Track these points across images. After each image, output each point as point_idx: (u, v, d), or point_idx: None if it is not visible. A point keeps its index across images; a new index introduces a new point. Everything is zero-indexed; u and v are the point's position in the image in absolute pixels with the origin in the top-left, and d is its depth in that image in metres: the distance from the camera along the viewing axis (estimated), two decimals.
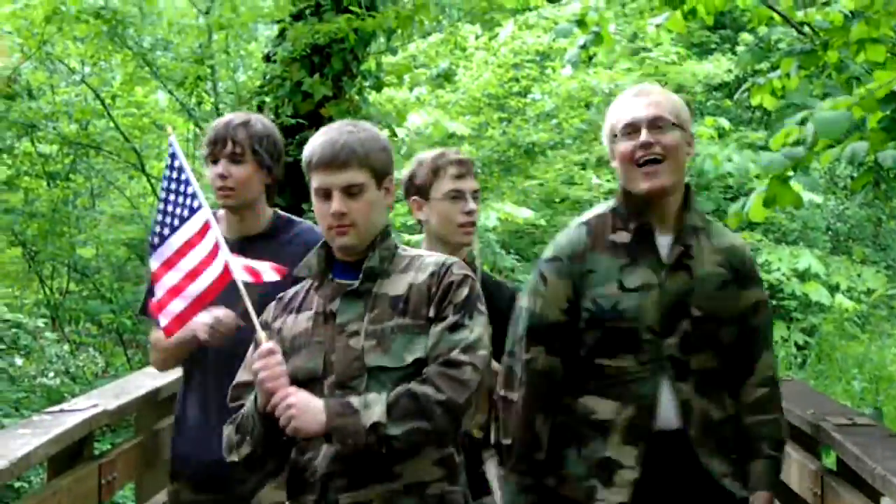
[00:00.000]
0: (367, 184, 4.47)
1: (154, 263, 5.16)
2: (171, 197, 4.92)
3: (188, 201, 4.87)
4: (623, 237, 5.24)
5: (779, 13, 8.37)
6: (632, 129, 5.14)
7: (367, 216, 4.50)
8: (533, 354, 5.23)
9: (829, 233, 20.41)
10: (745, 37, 11.00)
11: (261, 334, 4.40)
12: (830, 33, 7.75)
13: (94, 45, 16.20)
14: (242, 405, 4.51)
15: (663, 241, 5.23)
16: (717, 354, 5.21)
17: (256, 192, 6.19)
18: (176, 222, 4.90)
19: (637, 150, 5.11)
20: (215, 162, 5.87)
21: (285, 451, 4.45)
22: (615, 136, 5.25)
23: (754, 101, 9.07)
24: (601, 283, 5.19)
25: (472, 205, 5.96)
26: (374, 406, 4.21)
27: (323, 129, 4.72)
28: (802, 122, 7.69)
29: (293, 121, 16.41)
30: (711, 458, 5.15)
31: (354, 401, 4.26)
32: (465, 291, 4.47)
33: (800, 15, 8.34)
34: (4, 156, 15.67)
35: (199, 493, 6.08)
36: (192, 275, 4.97)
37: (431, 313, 4.43)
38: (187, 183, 4.88)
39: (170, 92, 16.97)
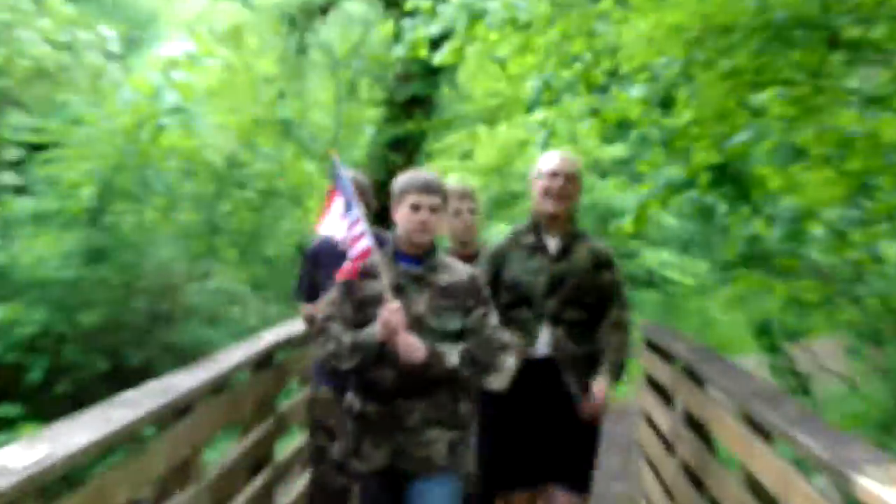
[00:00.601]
0: (441, 208, 4.56)
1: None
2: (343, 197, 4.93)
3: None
4: (530, 239, 5.52)
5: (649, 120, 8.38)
6: (551, 173, 5.45)
7: (437, 227, 4.59)
8: None
9: (682, 239, 20.50)
10: (634, 132, 10.91)
11: (389, 296, 4.38)
12: (679, 133, 7.72)
13: (276, 137, 16.17)
14: (328, 329, 4.55)
15: (552, 243, 5.48)
16: (583, 311, 5.42)
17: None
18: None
19: (553, 186, 5.41)
20: None
21: (370, 368, 4.48)
22: (537, 176, 5.53)
23: (639, 169, 9.07)
24: (513, 266, 5.47)
25: (466, 217, 6.01)
26: (451, 356, 4.37)
27: (412, 171, 4.85)
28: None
29: (383, 179, 16.42)
30: (569, 375, 5.34)
31: (439, 347, 4.38)
32: (486, 291, 4.64)
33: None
34: (228, 199, 15.62)
35: (332, 388, 5.99)
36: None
37: (470, 304, 4.53)
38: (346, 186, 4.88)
39: (316, 163, 16.93)
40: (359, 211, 4.75)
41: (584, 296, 5.45)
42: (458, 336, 4.51)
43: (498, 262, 5.54)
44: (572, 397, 5.36)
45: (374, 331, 4.39)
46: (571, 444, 5.42)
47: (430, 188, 4.55)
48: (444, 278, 4.60)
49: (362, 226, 4.68)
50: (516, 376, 5.24)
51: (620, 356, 5.52)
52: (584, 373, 5.40)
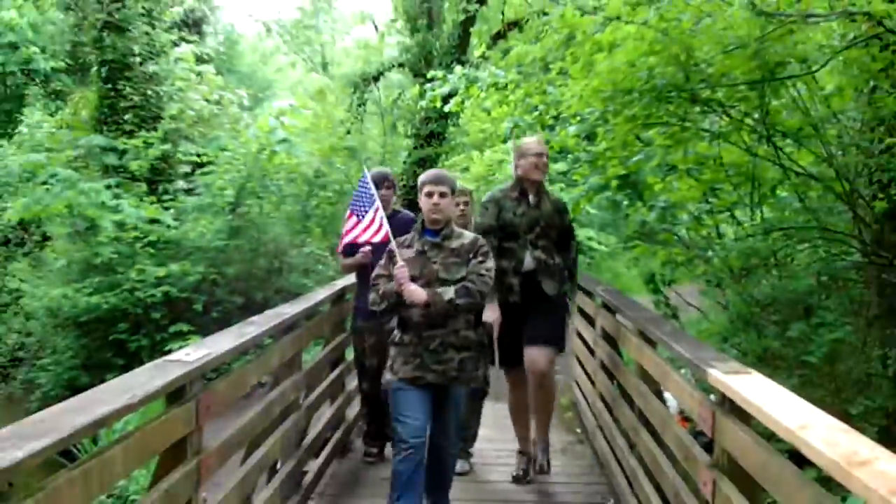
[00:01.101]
0: (448, 194, 4.38)
1: (350, 221, 5.04)
2: (361, 197, 4.90)
3: (370, 200, 4.86)
4: (514, 195, 5.46)
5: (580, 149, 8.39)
6: (536, 154, 5.39)
7: (448, 208, 4.39)
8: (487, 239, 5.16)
9: (600, 223, 20.44)
10: (571, 155, 10.82)
11: (398, 259, 4.28)
12: (599, 155, 7.68)
13: (345, 158, 16.15)
14: (378, 284, 4.37)
15: (531, 198, 5.45)
16: (550, 241, 5.44)
17: (392, 200, 6.01)
18: (365, 208, 4.86)
19: (538, 162, 5.40)
20: (378, 189, 5.33)
21: (398, 309, 4.33)
22: (523, 155, 5.46)
23: (573, 178, 9.03)
24: (506, 211, 5.40)
25: (462, 209, 5.63)
26: (448, 292, 4.20)
27: (430, 170, 4.64)
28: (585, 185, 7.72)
29: (412, 184, 16.35)
30: (545, 280, 5.37)
31: (438, 290, 4.22)
32: (485, 248, 4.38)
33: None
34: (315, 197, 15.58)
35: (364, 321, 5.90)
36: (365, 229, 4.91)
37: (470, 257, 4.33)
38: (369, 190, 4.88)
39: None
40: (380, 208, 4.86)
41: (551, 230, 5.46)
42: (462, 281, 4.30)
43: (498, 206, 5.43)
44: (547, 295, 5.37)
45: (393, 283, 4.29)
46: (546, 322, 5.40)
47: (439, 180, 4.40)
48: (454, 243, 4.39)
49: (381, 219, 4.77)
50: (515, 286, 5.35)
51: (573, 278, 5.81)
52: (554, 277, 5.41)
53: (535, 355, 5.33)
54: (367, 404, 6.30)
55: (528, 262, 5.37)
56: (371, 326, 5.88)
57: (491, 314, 5.17)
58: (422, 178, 4.49)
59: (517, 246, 5.37)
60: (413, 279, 4.29)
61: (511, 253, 5.36)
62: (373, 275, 4.49)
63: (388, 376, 4.44)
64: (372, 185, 4.89)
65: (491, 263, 4.39)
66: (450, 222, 4.48)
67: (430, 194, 4.38)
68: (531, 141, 5.60)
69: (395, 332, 4.47)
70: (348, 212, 5.12)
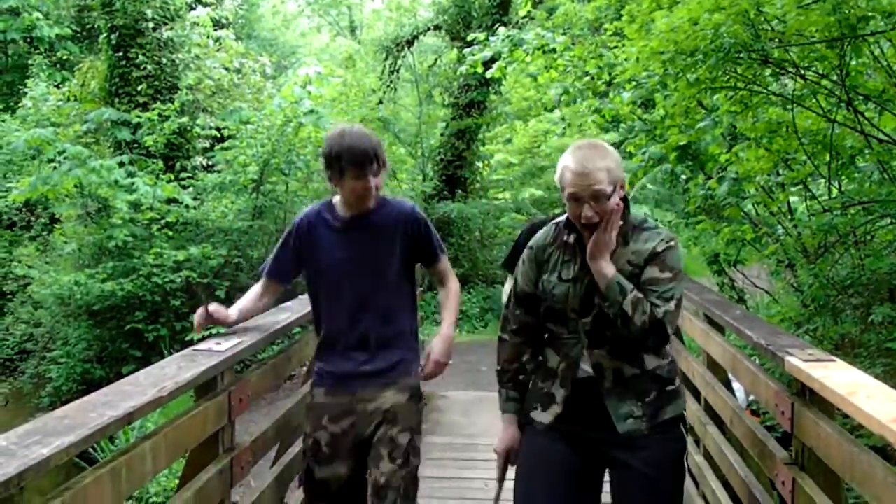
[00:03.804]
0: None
1: None
2: None
3: None
4: (570, 239, 3.08)
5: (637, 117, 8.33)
6: (576, 198, 2.87)
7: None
8: (518, 311, 3.19)
9: (656, 198, 20.23)
10: (624, 124, 10.67)
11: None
12: (657, 124, 7.65)
13: (377, 131, 16.19)
14: None
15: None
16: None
17: (381, 185, 3.42)
18: None
19: (582, 216, 2.87)
20: (362, 170, 3.31)
21: None
22: (562, 180, 2.92)
23: (627, 150, 8.99)
24: (549, 272, 3.09)
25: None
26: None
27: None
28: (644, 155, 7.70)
29: (449, 158, 16.39)
30: (621, 402, 2.97)
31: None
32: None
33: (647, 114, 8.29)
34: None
35: (330, 394, 3.52)
36: None
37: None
38: None
39: (406, 147, 16.93)
40: None
41: None
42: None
43: (540, 261, 3.17)
44: (622, 434, 2.98)
45: None
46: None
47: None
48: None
49: None
50: (558, 399, 3.09)
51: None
52: (637, 399, 3.01)
53: None
54: None
55: (587, 365, 3.09)
56: (342, 404, 3.52)
57: (499, 439, 3.32)
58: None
59: (568, 337, 3.11)
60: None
61: (558, 343, 3.17)
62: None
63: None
64: None
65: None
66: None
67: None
68: (571, 159, 2.96)
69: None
70: None
